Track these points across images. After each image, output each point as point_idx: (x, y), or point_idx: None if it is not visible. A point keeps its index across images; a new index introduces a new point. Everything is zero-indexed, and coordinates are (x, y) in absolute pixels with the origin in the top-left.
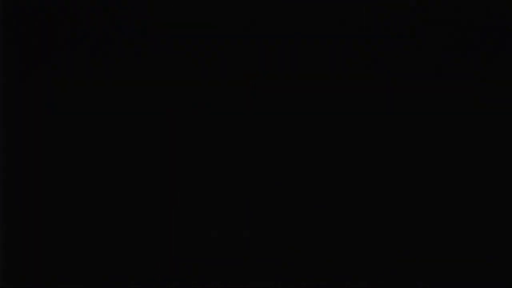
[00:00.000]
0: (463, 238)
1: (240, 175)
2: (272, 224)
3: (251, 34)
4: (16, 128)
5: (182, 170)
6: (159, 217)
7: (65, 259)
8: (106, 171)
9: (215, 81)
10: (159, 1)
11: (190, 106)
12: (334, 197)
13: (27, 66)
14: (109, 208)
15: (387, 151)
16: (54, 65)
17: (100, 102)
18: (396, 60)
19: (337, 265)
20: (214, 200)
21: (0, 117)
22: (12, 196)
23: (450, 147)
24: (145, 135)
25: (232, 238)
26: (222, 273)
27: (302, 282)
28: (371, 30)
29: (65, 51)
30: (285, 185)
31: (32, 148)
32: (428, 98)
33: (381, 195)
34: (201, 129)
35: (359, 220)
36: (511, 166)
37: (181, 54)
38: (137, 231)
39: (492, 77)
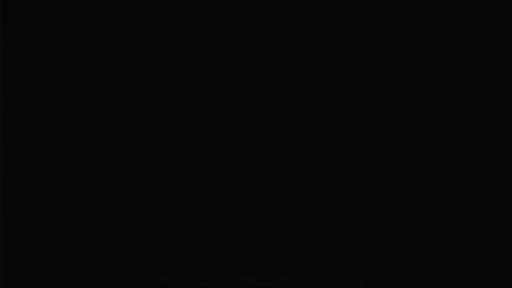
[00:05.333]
0: (463, 239)
1: (240, 172)
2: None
3: (250, 35)
4: (16, 128)
5: (182, 169)
6: (160, 217)
7: (66, 259)
8: (107, 172)
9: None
10: (161, 2)
11: (190, 107)
12: (334, 196)
13: (27, 66)
14: (110, 208)
15: (386, 151)
16: (55, 65)
17: (100, 103)
18: (395, 60)
19: (336, 264)
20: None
21: (0, 117)
22: (12, 196)
23: (449, 147)
24: (145, 135)
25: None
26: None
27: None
28: (371, 30)
29: (66, 52)
30: (285, 184)
31: (32, 148)
32: (428, 98)
33: (381, 195)
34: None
35: (359, 220)
36: (510, 166)
37: (183, 57)
38: (138, 231)
39: (492, 77)
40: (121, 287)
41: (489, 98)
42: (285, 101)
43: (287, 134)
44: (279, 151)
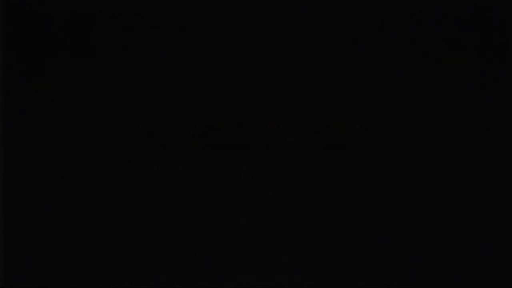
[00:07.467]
0: (463, 239)
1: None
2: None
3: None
4: (16, 128)
5: (182, 169)
6: (160, 217)
7: (66, 259)
8: (107, 172)
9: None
10: (162, 4)
11: (190, 107)
12: (334, 196)
13: (27, 66)
14: (110, 208)
15: (386, 151)
16: (55, 65)
17: (100, 103)
18: (396, 60)
19: (334, 264)
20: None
21: (0, 117)
22: (12, 196)
23: (449, 147)
24: (145, 135)
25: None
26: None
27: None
28: (371, 30)
29: (66, 52)
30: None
31: (32, 148)
32: (428, 98)
33: (381, 195)
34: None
35: (359, 220)
36: (510, 166)
37: (183, 57)
38: (138, 231)
39: (492, 77)
40: (121, 287)
41: (489, 98)
42: (285, 101)
43: (287, 134)
44: (279, 151)
